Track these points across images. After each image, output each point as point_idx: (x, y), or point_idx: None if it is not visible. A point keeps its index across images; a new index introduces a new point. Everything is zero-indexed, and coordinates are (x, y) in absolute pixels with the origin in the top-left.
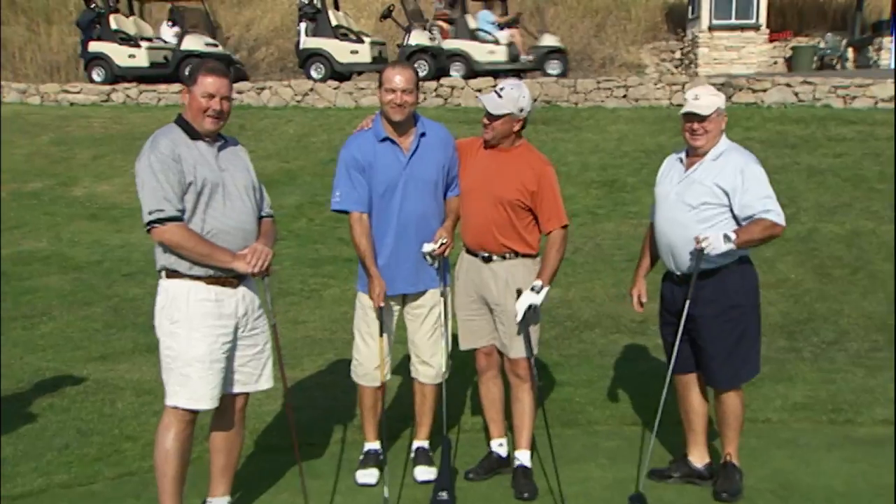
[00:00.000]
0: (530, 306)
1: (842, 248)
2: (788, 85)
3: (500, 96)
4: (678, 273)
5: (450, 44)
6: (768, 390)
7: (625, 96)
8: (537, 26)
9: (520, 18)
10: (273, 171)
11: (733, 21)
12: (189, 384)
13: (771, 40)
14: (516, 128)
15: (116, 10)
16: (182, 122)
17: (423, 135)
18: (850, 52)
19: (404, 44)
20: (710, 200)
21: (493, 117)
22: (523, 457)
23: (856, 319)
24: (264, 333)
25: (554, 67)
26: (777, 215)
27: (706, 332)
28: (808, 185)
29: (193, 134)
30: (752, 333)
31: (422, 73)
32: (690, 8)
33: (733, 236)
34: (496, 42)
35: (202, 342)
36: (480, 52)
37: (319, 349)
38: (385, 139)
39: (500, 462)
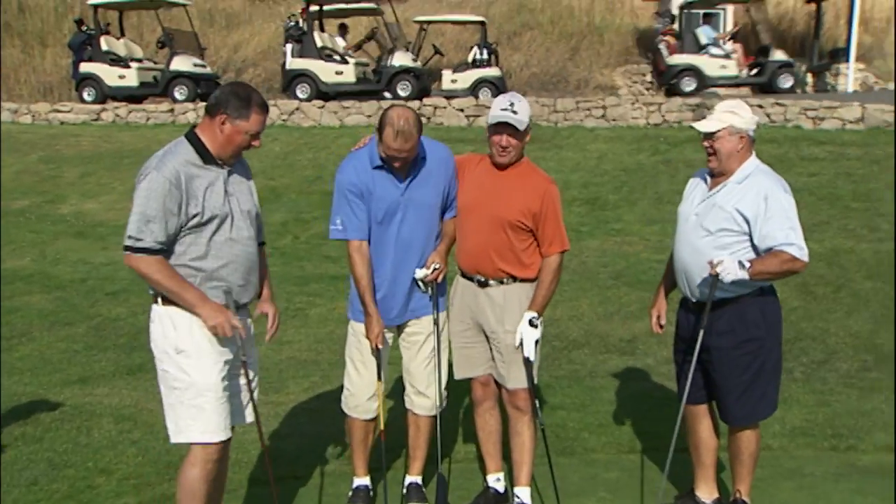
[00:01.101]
0: (535, 341)
1: (823, 266)
2: (760, 106)
3: (515, 112)
4: (693, 299)
5: (677, 59)
6: None
7: (603, 116)
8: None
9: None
10: (259, 188)
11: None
12: (202, 416)
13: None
14: (528, 139)
15: (107, 32)
16: (196, 143)
17: (422, 158)
18: (810, 77)
19: (387, 65)
20: (729, 227)
21: (518, 134)
22: (523, 494)
23: (843, 338)
24: (256, 362)
25: (785, 81)
26: (798, 249)
27: (721, 364)
28: None
29: (206, 157)
30: (770, 368)
31: (404, 94)
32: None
33: (748, 265)
34: (727, 56)
35: (213, 369)
36: (712, 68)
37: (305, 371)
38: (381, 166)
39: (497, 498)
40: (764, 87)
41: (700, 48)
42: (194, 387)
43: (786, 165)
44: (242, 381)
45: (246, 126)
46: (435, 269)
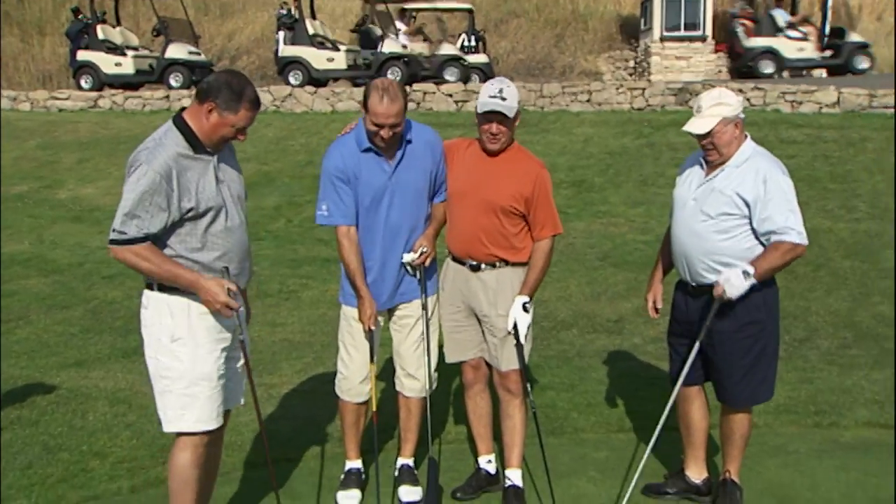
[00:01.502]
0: (528, 325)
1: None
2: (741, 90)
3: (504, 99)
4: (693, 284)
5: (755, 42)
6: None
7: (588, 100)
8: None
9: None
10: (252, 173)
11: (682, 33)
12: (195, 405)
13: (716, 51)
14: (517, 124)
15: (104, 21)
16: (185, 129)
17: (408, 142)
18: None
19: (377, 52)
20: (729, 211)
21: (507, 122)
22: (514, 476)
23: (823, 316)
24: (240, 347)
25: (862, 62)
26: (798, 234)
27: (723, 348)
28: None
29: (196, 146)
30: (771, 352)
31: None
32: (643, 20)
33: (752, 270)
34: (804, 38)
35: (208, 358)
36: (790, 50)
37: (298, 353)
38: (369, 149)
39: (488, 479)
40: (839, 68)
41: (777, 30)
42: (188, 376)
43: (766, 147)
44: (239, 363)
45: (233, 119)
46: (422, 253)
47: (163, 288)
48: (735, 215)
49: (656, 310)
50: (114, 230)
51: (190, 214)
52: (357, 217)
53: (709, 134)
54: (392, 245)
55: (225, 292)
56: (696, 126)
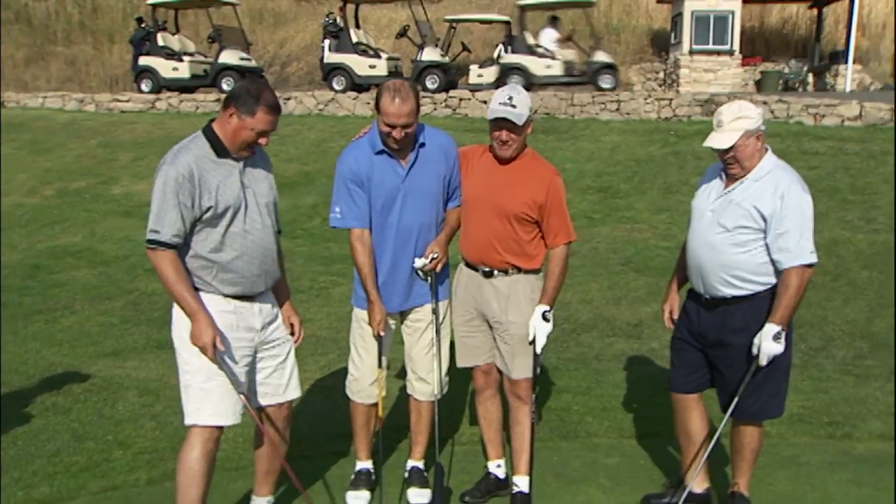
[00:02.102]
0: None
1: (822, 255)
2: (765, 103)
3: (514, 106)
4: (707, 296)
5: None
6: None
7: (617, 110)
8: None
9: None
10: (293, 173)
11: (710, 46)
12: (211, 399)
13: (743, 65)
14: (529, 130)
15: (164, 29)
16: (211, 136)
17: (422, 145)
18: (811, 77)
19: (417, 59)
20: (746, 224)
21: (516, 129)
22: (522, 483)
23: (839, 326)
24: (286, 344)
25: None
26: (809, 254)
27: (735, 361)
28: None
29: (220, 151)
30: (784, 367)
31: (433, 86)
32: (673, 34)
33: (778, 329)
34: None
35: (224, 355)
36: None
37: (323, 349)
38: (382, 151)
39: (497, 484)
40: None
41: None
42: (204, 371)
43: (788, 159)
44: (274, 362)
45: (251, 123)
46: (433, 259)
47: None
48: (752, 228)
49: (672, 320)
50: (150, 230)
51: (209, 214)
52: (370, 220)
53: (731, 148)
54: (403, 248)
55: (211, 338)
56: (719, 141)
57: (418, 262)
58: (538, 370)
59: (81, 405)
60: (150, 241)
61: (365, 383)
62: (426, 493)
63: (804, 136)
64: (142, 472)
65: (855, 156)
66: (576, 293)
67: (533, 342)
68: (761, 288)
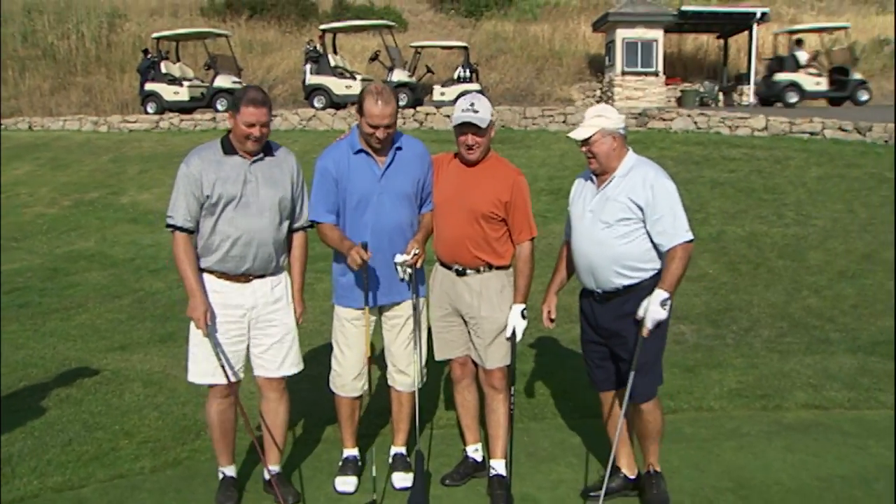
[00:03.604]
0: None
1: (745, 247)
2: (689, 115)
3: (476, 111)
4: (599, 291)
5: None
6: (705, 377)
7: (564, 121)
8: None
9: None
10: None
11: (639, 69)
12: (196, 361)
13: (666, 84)
14: (492, 134)
15: (166, 58)
16: (224, 139)
17: (398, 148)
18: (721, 95)
19: (388, 80)
20: (625, 216)
21: (480, 132)
22: (499, 466)
23: (763, 308)
24: (283, 325)
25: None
26: (686, 232)
27: (630, 347)
28: (713, 195)
29: (228, 149)
30: (663, 344)
31: (402, 104)
32: (607, 58)
33: (665, 295)
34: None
35: (213, 329)
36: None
37: (309, 340)
38: (360, 151)
39: (475, 467)
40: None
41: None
42: (194, 337)
43: (711, 163)
44: (269, 340)
45: (241, 118)
46: (414, 255)
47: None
48: (632, 219)
49: (551, 320)
50: (167, 216)
51: (207, 202)
52: (345, 218)
53: (588, 142)
54: (379, 246)
55: (202, 312)
56: (577, 133)
57: (399, 258)
58: (514, 363)
59: (92, 396)
60: (167, 225)
61: (349, 378)
62: (409, 478)
63: (722, 143)
64: (146, 461)
65: (764, 161)
66: (535, 285)
67: (512, 336)
68: (649, 274)
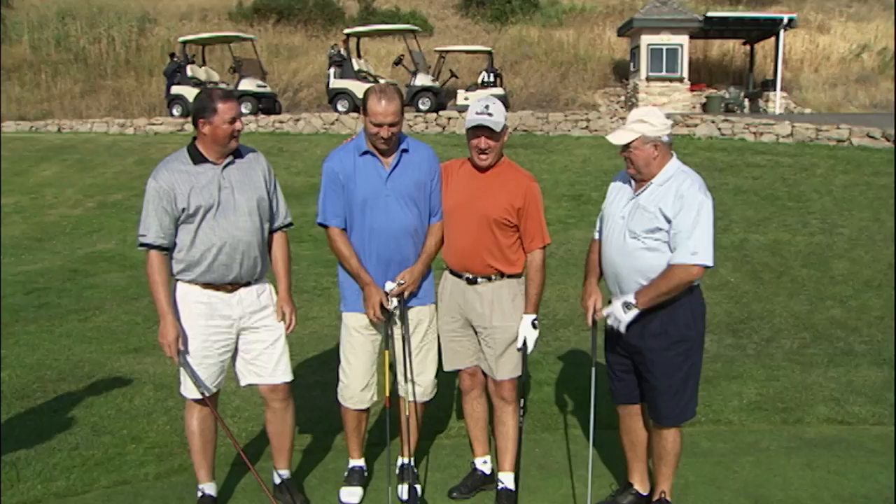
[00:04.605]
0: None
1: (768, 255)
2: (713, 121)
3: (490, 115)
4: None
5: None
6: (724, 389)
7: (586, 127)
8: None
9: None
10: (301, 184)
11: (664, 74)
12: (184, 376)
13: (691, 90)
14: (505, 139)
15: (192, 62)
16: (192, 149)
17: (405, 150)
18: (747, 102)
19: (411, 84)
20: (655, 227)
21: (494, 136)
22: (507, 480)
23: (785, 319)
24: (274, 330)
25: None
26: (692, 255)
27: (654, 366)
28: (736, 202)
29: (198, 158)
30: (697, 369)
31: (425, 108)
32: (632, 63)
33: (634, 300)
34: None
35: (195, 339)
36: None
37: (324, 346)
38: (367, 152)
39: (483, 479)
40: None
41: None
42: (184, 351)
43: (735, 170)
44: (260, 346)
45: (220, 117)
46: (401, 284)
47: (177, 279)
48: (661, 231)
49: (594, 319)
50: (138, 235)
51: (184, 214)
52: (352, 219)
53: (627, 147)
54: (385, 249)
55: (174, 337)
56: (615, 136)
57: (388, 286)
58: (526, 374)
59: (103, 399)
60: (140, 244)
61: (356, 389)
62: (416, 488)
63: (747, 150)
64: (151, 467)
65: (789, 168)
66: (553, 291)
67: (523, 347)
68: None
